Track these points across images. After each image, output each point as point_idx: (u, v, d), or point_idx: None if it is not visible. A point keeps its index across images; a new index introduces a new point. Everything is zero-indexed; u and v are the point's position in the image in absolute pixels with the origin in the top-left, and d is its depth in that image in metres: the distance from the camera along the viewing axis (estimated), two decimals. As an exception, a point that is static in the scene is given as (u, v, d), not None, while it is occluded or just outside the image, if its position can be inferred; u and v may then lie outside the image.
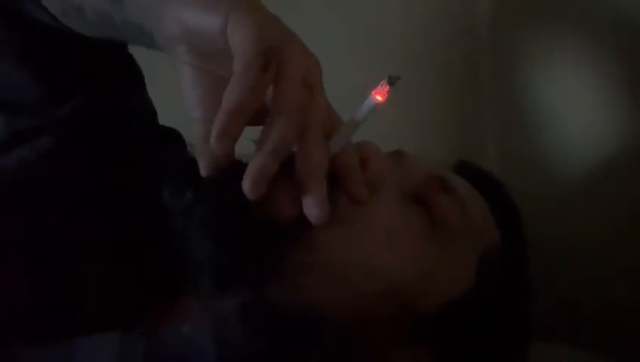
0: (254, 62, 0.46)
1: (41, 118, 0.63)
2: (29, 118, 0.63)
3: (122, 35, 0.58)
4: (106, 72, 0.67)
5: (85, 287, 0.57)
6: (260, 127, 0.48)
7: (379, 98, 0.47)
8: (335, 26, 0.96)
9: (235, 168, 0.48)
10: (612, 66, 0.75)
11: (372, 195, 0.53)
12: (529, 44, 0.83)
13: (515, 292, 0.62)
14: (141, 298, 0.56)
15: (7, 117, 0.63)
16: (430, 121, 0.92)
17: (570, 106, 0.80)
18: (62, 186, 0.61)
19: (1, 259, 0.56)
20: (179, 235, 0.52)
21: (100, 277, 0.57)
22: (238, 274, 0.51)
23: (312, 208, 0.49)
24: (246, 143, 0.49)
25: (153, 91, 0.73)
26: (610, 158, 0.77)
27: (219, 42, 0.48)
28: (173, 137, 0.70)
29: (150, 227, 0.57)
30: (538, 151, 0.83)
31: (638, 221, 0.75)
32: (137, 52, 0.70)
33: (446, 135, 0.93)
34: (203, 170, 0.49)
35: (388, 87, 0.47)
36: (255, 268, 0.51)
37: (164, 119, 0.73)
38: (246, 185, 0.46)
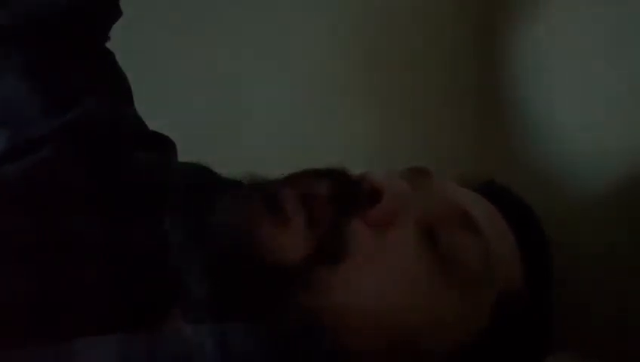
0: None
1: (41, 130, 0.64)
2: (30, 130, 0.64)
3: None
4: (99, 84, 0.68)
5: (85, 288, 0.56)
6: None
7: None
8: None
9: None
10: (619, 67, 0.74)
11: (383, 233, 0.53)
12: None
13: (529, 340, 0.58)
14: (141, 299, 0.56)
15: (9, 129, 0.64)
16: (429, 120, 0.92)
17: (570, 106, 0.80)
18: (62, 188, 0.61)
19: (1, 261, 0.56)
20: (176, 260, 0.52)
21: (99, 278, 0.57)
22: (237, 317, 0.50)
23: None
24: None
25: (146, 95, 0.73)
26: (614, 162, 0.75)
27: None
28: (166, 144, 0.70)
29: (149, 230, 0.57)
30: (538, 153, 0.82)
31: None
32: (130, 57, 0.70)
33: (445, 135, 0.92)
34: None
35: None
36: (257, 313, 0.50)
37: (154, 123, 0.72)
38: None
